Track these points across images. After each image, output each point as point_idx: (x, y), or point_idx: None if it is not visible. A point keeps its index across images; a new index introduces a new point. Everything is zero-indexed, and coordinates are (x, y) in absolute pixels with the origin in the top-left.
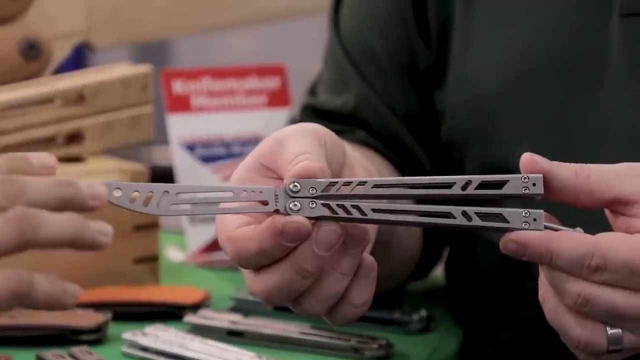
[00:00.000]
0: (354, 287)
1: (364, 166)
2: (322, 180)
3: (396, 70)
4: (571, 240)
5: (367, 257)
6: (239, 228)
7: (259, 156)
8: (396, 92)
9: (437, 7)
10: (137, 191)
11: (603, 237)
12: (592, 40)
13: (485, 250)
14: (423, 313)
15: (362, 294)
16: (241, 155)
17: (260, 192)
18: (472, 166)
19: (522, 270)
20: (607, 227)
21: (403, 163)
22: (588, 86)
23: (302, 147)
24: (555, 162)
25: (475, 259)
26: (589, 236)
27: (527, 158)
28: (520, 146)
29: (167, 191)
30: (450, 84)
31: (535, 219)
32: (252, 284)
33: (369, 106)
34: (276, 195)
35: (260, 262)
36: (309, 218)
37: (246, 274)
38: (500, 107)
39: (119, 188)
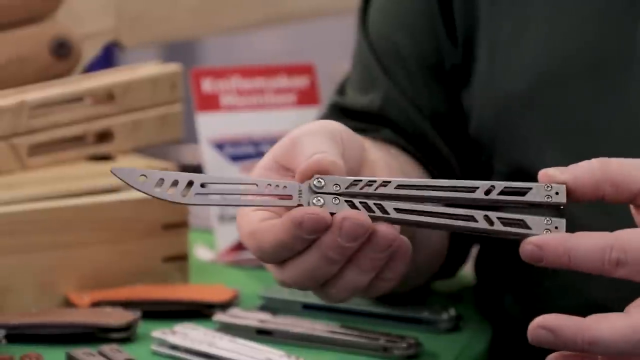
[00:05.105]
0: (385, 267)
1: (387, 163)
2: (346, 177)
3: (423, 69)
4: (588, 236)
5: (401, 238)
6: (259, 223)
7: (275, 156)
8: (422, 91)
9: (463, 8)
10: (162, 179)
11: (620, 231)
12: (619, 43)
13: (516, 248)
14: (452, 312)
15: (394, 271)
16: None
17: (285, 186)
18: (500, 167)
19: (553, 270)
20: None
21: (429, 162)
22: (615, 89)
23: (316, 146)
24: (575, 173)
25: (506, 257)
26: (605, 232)
27: (543, 177)
28: (547, 148)
29: (192, 181)
30: (477, 85)
31: (557, 227)
32: (278, 273)
33: (395, 105)
34: (300, 190)
35: (281, 255)
36: (332, 214)
37: (271, 266)
38: (527, 108)
39: (144, 175)
